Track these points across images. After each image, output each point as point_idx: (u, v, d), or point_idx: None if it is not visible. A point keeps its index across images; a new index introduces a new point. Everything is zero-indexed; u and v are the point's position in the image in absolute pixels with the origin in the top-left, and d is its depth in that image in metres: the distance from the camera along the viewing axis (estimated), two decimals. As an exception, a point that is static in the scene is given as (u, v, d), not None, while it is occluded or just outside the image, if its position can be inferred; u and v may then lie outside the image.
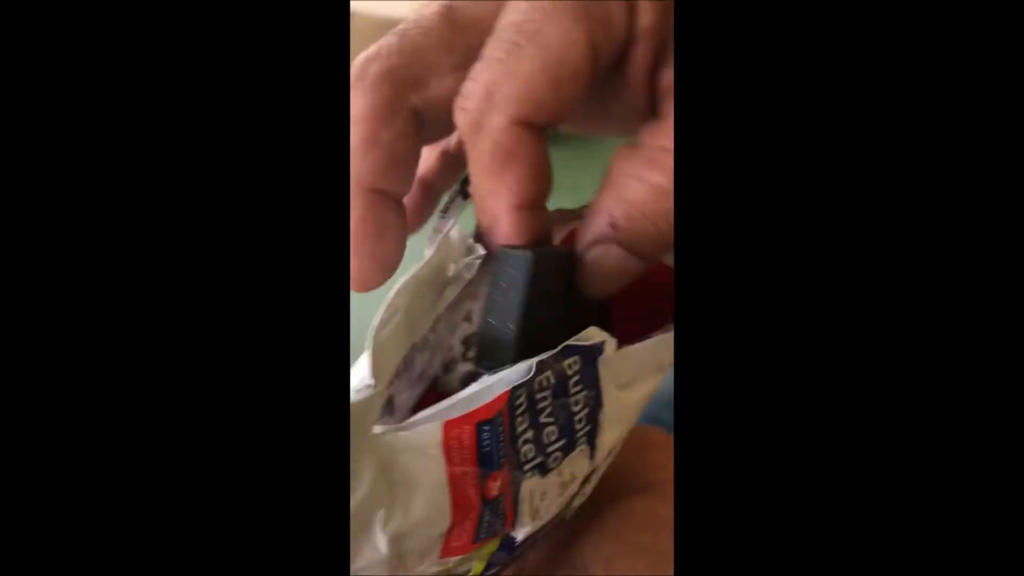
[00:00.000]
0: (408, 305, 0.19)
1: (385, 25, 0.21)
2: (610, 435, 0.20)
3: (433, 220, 0.23)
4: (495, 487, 0.17)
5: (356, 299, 0.20)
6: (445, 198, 0.23)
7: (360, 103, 0.20)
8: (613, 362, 0.19)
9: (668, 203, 0.18)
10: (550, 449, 0.18)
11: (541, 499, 0.19)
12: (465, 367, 0.21)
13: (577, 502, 0.21)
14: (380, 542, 0.16)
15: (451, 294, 0.21)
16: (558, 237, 0.22)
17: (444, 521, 0.17)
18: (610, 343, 0.19)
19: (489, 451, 0.17)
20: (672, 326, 0.21)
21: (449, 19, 0.20)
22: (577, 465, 0.19)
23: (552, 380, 0.18)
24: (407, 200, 0.22)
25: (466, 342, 0.21)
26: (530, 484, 0.18)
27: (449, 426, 0.16)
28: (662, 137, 0.18)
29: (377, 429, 0.17)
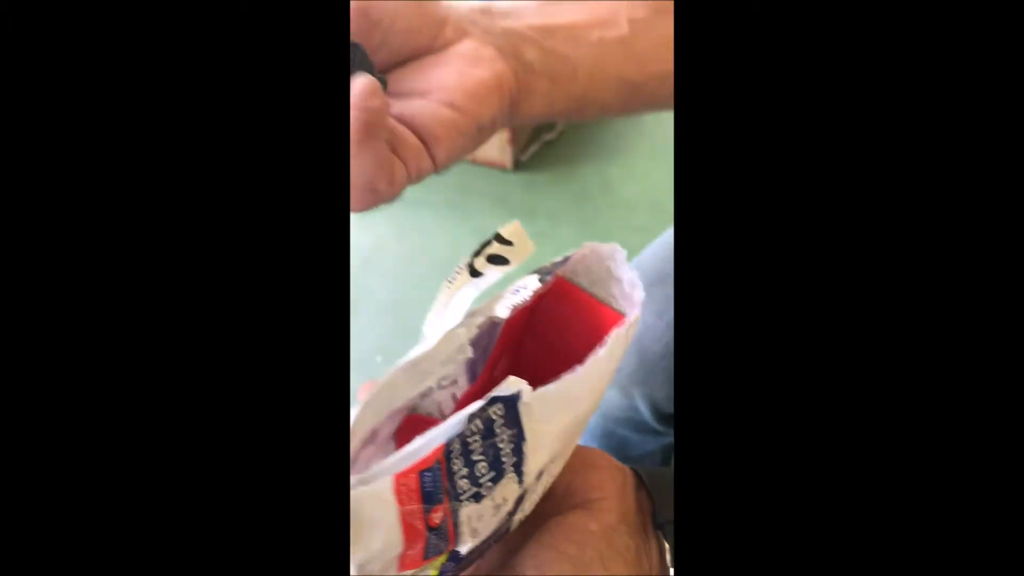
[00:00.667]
0: (392, 382, 0.24)
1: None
2: (535, 461, 0.25)
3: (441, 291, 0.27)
4: (437, 517, 0.22)
5: (356, 298, 0.24)
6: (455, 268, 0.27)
7: None
8: (532, 404, 0.24)
9: None
10: (482, 480, 0.23)
11: (479, 520, 0.24)
12: (440, 395, 0.26)
13: (519, 517, 0.26)
14: (351, 568, 0.21)
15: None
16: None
17: (398, 547, 0.22)
18: (526, 389, 0.24)
19: (431, 491, 0.22)
20: (579, 368, 0.25)
21: None
22: (508, 490, 0.24)
23: (481, 426, 0.23)
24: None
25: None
26: (468, 510, 0.23)
27: (399, 477, 0.21)
28: None
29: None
